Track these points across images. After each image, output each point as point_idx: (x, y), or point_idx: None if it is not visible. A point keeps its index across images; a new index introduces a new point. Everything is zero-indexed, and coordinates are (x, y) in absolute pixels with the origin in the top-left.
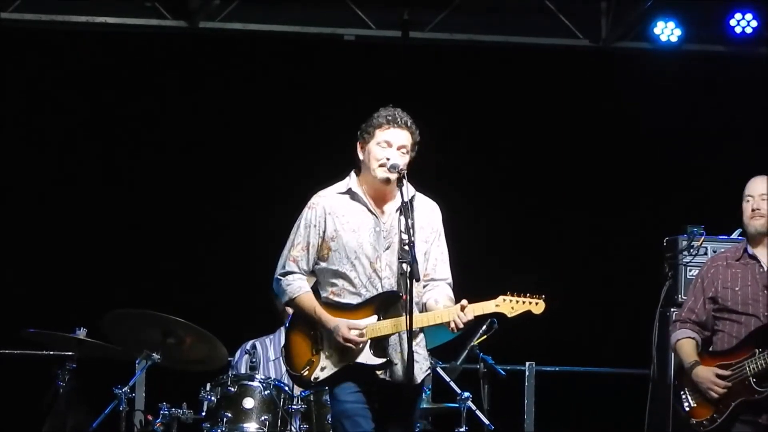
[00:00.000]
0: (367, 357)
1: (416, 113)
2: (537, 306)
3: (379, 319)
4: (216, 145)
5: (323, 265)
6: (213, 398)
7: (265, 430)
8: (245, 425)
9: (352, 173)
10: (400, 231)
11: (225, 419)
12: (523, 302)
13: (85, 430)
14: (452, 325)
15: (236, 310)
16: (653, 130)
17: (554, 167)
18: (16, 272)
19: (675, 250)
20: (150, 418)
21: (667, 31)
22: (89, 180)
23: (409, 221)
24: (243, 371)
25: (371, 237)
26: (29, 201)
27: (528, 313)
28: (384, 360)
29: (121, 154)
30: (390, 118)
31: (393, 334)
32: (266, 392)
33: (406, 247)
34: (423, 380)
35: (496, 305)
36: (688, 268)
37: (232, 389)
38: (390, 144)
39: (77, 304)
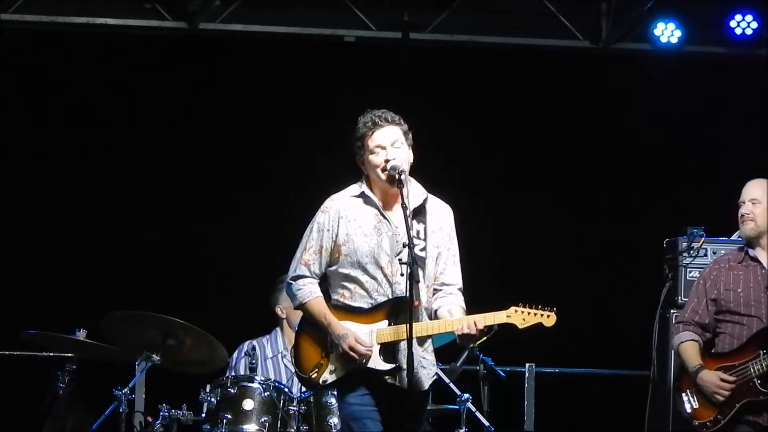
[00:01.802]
0: (376, 362)
1: (416, 114)
2: (548, 319)
3: (389, 324)
4: (216, 146)
5: (334, 268)
6: (213, 399)
7: (265, 431)
8: (245, 426)
9: (363, 178)
10: (412, 235)
11: (225, 420)
12: (535, 314)
13: None
14: (461, 331)
15: (236, 312)
16: (653, 131)
17: (554, 168)
18: (16, 273)
19: (675, 252)
20: (150, 419)
21: (667, 32)
22: (89, 180)
23: (409, 222)
24: (241, 373)
25: (383, 241)
26: (29, 201)
27: (539, 326)
28: (393, 365)
29: (120, 155)
30: (369, 123)
31: (402, 340)
32: (266, 393)
33: (420, 252)
34: (428, 387)
35: (507, 316)
36: (688, 269)
37: (232, 390)
38: (382, 146)
39: (77, 305)
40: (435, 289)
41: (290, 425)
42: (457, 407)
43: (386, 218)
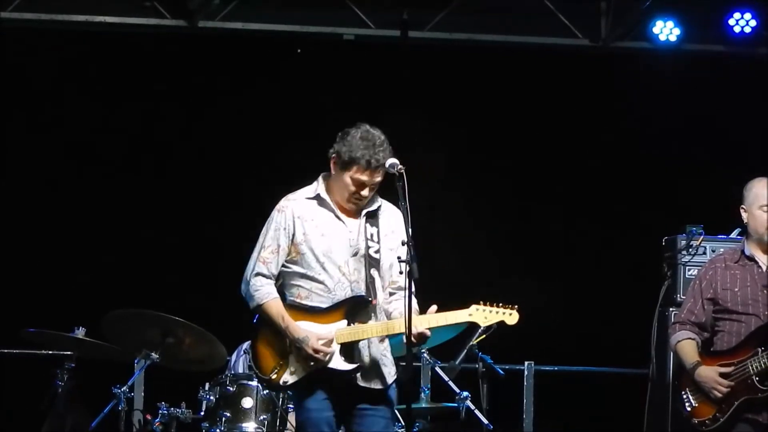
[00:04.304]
0: (337, 362)
1: (415, 112)
2: (511, 317)
3: (348, 324)
4: (215, 145)
5: (292, 268)
6: (212, 398)
7: (264, 429)
8: (244, 425)
9: (320, 179)
10: (366, 238)
11: (224, 419)
12: (497, 312)
13: (84, 430)
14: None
15: (235, 310)
16: (652, 130)
17: (553, 166)
18: (16, 272)
19: (674, 250)
20: (149, 417)
21: (666, 30)
22: (88, 180)
23: (408, 219)
24: (240, 372)
25: (340, 242)
26: (29, 201)
27: (502, 324)
28: (355, 365)
29: (119, 154)
30: (372, 162)
31: (363, 339)
32: (265, 392)
33: (374, 254)
34: (391, 384)
35: (469, 314)
36: (687, 267)
37: (231, 389)
38: (363, 185)
39: (76, 303)
40: (391, 292)
41: (289, 423)
42: (456, 405)
43: (341, 221)
